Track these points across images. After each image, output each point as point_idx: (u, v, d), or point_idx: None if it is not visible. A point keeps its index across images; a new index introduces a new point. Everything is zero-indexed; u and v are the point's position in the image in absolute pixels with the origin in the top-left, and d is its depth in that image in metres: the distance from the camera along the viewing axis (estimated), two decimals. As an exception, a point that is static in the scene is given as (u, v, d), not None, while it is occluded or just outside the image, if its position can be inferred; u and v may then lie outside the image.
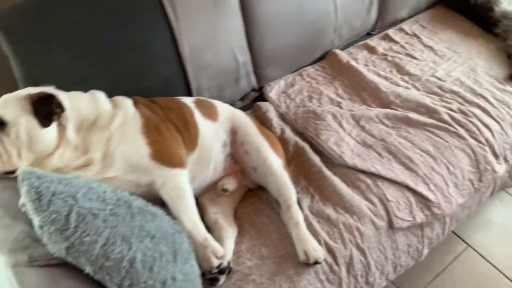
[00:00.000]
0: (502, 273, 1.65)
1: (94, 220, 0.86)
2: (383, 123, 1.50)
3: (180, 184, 1.08)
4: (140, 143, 1.07)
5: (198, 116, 1.23)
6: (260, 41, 1.54)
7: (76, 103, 1.07)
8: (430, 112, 1.53)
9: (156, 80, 1.35)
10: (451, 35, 1.93)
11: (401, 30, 1.96)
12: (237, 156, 1.28)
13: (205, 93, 1.45)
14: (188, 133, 1.17)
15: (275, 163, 1.24)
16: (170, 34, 1.31)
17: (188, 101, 1.27)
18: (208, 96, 1.45)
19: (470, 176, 1.42)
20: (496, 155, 1.48)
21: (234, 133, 1.29)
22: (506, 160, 1.52)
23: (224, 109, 1.32)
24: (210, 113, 1.27)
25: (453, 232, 1.76)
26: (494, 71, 1.73)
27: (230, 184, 1.23)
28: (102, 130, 1.07)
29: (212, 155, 1.22)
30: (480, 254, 1.70)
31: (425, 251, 1.37)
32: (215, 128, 1.26)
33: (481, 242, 1.74)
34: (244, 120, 1.32)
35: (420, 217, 1.30)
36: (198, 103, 1.28)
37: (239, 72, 1.53)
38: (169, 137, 1.12)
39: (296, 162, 1.39)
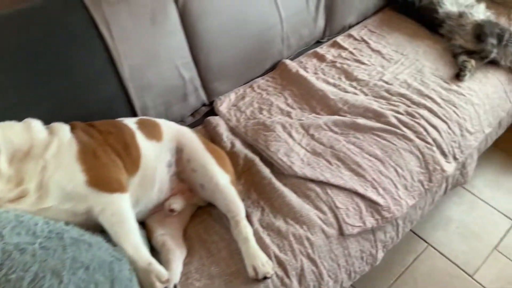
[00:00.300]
0: (462, 269, 1.67)
1: (21, 256, 0.83)
2: (332, 130, 1.51)
3: (120, 209, 1.06)
4: (76, 171, 1.04)
5: (140, 137, 1.21)
6: (206, 56, 1.54)
7: (8, 134, 1.04)
8: (378, 116, 1.55)
9: (97, 102, 1.33)
10: (398, 38, 1.97)
11: (350, 36, 1.99)
12: (184, 174, 1.27)
13: (151, 111, 1.44)
14: (129, 156, 1.15)
15: (222, 179, 1.23)
16: (107, 55, 1.30)
17: (130, 122, 1.25)
18: (154, 115, 1.43)
19: (419, 177, 1.44)
20: (444, 155, 1.51)
21: (179, 152, 1.27)
22: (455, 158, 1.55)
23: (168, 128, 1.31)
24: (154, 133, 1.26)
25: (413, 232, 1.78)
26: (440, 71, 1.77)
27: (177, 204, 1.21)
28: (36, 159, 1.04)
29: (156, 176, 1.20)
30: (440, 252, 1.73)
31: (380, 254, 1.37)
32: (159, 148, 1.24)
33: (441, 240, 1.77)
34: (190, 137, 1.31)
35: (370, 222, 1.30)
36: (141, 124, 1.26)
37: (186, 88, 1.52)
38: (108, 161, 1.09)
39: (246, 176, 1.38)
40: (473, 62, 1.76)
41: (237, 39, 1.60)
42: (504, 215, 1.85)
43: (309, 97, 1.65)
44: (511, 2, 2.21)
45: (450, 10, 1.94)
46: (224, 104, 1.63)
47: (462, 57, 1.79)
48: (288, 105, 1.63)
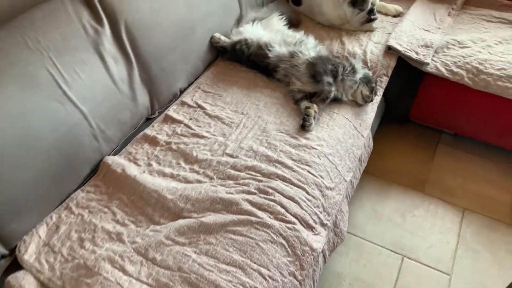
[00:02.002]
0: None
1: None
2: (177, 243, 1.21)
3: None
4: None
5: None
6: (-20, 200, 1.13)
7: None
8: (227, 205, 1.30)
9: None
10: (236, 93, 1.76)
11: (183, 104, 1.72)
12: None
13: None
14: None
15: None
16: None
17: None
18: None
19: (289, 269, 1.21)
20: (311, 227, 1.32)
21: None
22: (323, 224, 1.37)
23: None
24: None
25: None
26: (285, 125, 1.60)
27: None
28: None
29: None
30: (339, 322, 1.55)
31: None
32: None
33: (336, 306, 1.59)
34: None
35: None
36: None
37: (-39, 252, 1.09)
38: None
39: None
40: (315, 107, 1.62)
41: (26, 159, 1.22)
42: (392, 251, 1.75)
43: (143, 204, 1.33)
44: (340, 24, 2.18)
45: (280, 52, 1.80)
46: (30, 248, 1.23)
47: (304, 103, 1.65)
48: (118, 222, 1.29)
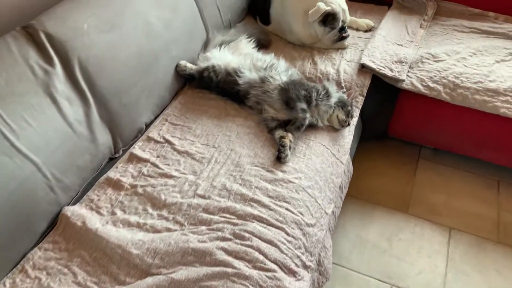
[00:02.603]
0: None
1: None
2: (146, 306, 1.09)
3: None
4: None
5: None
6: None
7: None
8: (200, 256, 1.19)
9: None
10: (206, 125, 1.65)
11: (150, 139, 1.61)
12: None
13: None
14: None
15: None
16: None
17: None
18: None
19: (272, 325, 1.11)
20: (293, 272, 1.22)
21: None
22: (306, 267, 1.27)
23: None
24: None
25: None
26: (259, 157, 1.50)
27: None
28: None
29: None
30: None
31: None
32: None
33: None
34: None
35: None
36: None
37: None
38: None
39: None
40: (290, 136, 1.53)
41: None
42: (380, 280, 1.67)
43: (107, 261, 1.21)
44: (311, 43, 2.11)
45: (250, 78, 1.70)
46: (-22, 325, 1.09)
47: (278, 132, 1.56)
48: (79, 285, 1.16)
